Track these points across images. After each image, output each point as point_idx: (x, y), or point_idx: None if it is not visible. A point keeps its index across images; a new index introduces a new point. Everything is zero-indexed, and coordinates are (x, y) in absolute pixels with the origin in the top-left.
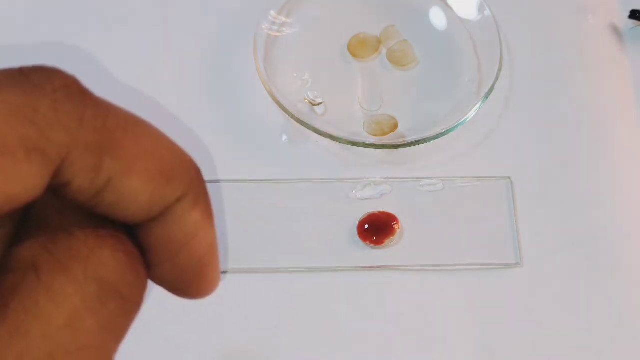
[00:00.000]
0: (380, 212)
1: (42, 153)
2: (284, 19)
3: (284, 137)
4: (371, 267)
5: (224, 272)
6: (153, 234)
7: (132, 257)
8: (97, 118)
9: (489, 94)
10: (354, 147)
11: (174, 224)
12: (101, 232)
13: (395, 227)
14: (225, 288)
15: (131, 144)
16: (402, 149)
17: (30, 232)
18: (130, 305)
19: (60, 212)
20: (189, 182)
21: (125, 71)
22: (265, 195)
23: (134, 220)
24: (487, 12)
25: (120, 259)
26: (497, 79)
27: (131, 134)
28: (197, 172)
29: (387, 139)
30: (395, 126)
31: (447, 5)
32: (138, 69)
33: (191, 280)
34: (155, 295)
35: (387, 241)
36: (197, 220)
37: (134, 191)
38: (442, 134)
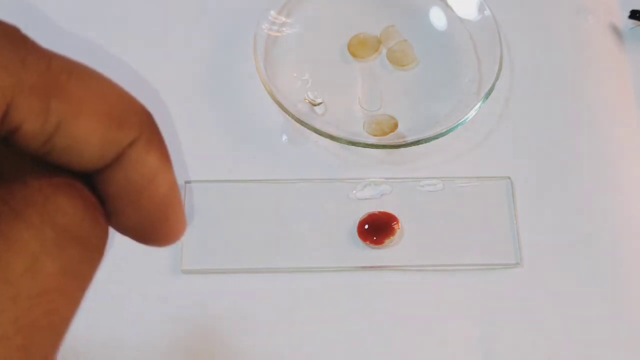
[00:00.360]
0: (380, 212)
1: None
2: (284, 19)
3: (284, 137)
4: (371, 267)
5: (225, 272)
6: (111, 180)
7: (89, 203)
8: (40, 61)
9: (489, 94)
10: (354, 147)
11: (130, 168)
12: (56, 180)
13: (395, 227)
14: (225, 288)
15: (78, 87)
16: (402, 149)
17: None
18: (91, 252)
19: (16, 165)
20: (140, 126)
21: (125, 71)
22: (265, 195)
23: (89, 166)
24: (487, 12)
25: (76, 206)
26: (497, 79)
27: (77, 78)
28: (149, 116)
29: (387, 139)
30: (395, 126)
31: (447, 5)
32: (138, 69)
33: (155, 224)
34: (155, 298)
35: (387, 241)
36: (154, 163)
37: (84, 134)
38: (442, 134)
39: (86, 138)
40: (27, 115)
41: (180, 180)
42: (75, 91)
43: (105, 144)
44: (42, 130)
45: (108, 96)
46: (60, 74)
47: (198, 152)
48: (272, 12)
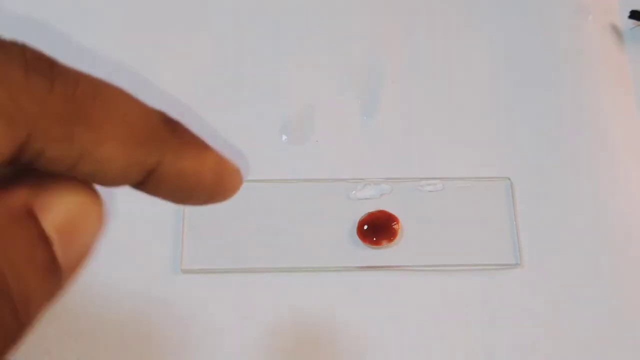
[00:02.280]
0: (380, 212)
1: (10, 118)
2: None
3: (284, 137)
4: (371, 267)
5: (225, 272)
6: (156, 189)
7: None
8: (67, 88)
9: None
10: (353, 147)
11: (170, 179)
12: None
13: (395, 227)
14: (225, 288)
15: (101, 111)
16: (401, 148)
17: None
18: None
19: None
20: (163, 143)
21: (125, 71)
22: (265, 195)
23: (115, 184)
24: None
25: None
26: None
27: (100, 102)
28: (171, 125)
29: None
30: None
31: None
32: (138, 69)
33: (215, 195)
34: (155, 298)
35: (386, 241)
36: (190, 165)
37: (108, 159)
38: None
39: (110, 162)
40: (50, 142)
41: None
42: (98, 116)
43: (129, 167)
44: (65, 157)
45: (130, 117)
46: (85, 99)
47: None
48: None
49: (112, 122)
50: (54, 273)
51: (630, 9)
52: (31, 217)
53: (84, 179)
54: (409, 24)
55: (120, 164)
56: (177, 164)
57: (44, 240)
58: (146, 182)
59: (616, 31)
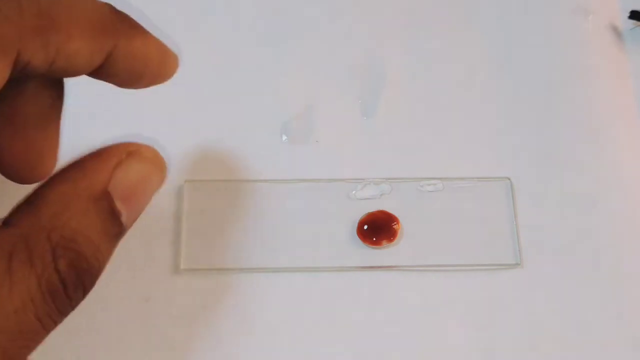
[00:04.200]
0: (380, 212)
1: (2, 49)
2: None
3: (284, 137)
4: (371, 268)
5: (225, 272)
6: (113, 68)
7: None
8: (32, 4)
9: None
10: (353, 148)
11: (125, 59)
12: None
13: (395, 227)
14: (225, 288)
15: (63, 15)
16: (401, 148)
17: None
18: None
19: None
20: (117, 29)
21: None
22: (265, 195)
23: (84, 72)
24: None
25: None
26: None
27: (60, 6)
28: (119, 13)
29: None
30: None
31: None
32: None
33: (158, 74)
34: (155, 298)
35: (386, 241)
36: (140, 45)
37: (76, 51)
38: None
39: (78, 54)
40: (33, 52)
41: (180, 180)
42: (62, 19)
43: (93, 54)
44: (46, 59)
45: (87, 13)
46: (49, 9)
47: (198, 152)
48: None
49: (74, 20)
50: (119, 235)
51: (630, 9)
52: (106, 197)
53: (58, 74)
54: (409, 24)
55: (86, 53)
56: (128, 46)
57: (115, 214)
58: (104, 66)
59: (616, 31)
